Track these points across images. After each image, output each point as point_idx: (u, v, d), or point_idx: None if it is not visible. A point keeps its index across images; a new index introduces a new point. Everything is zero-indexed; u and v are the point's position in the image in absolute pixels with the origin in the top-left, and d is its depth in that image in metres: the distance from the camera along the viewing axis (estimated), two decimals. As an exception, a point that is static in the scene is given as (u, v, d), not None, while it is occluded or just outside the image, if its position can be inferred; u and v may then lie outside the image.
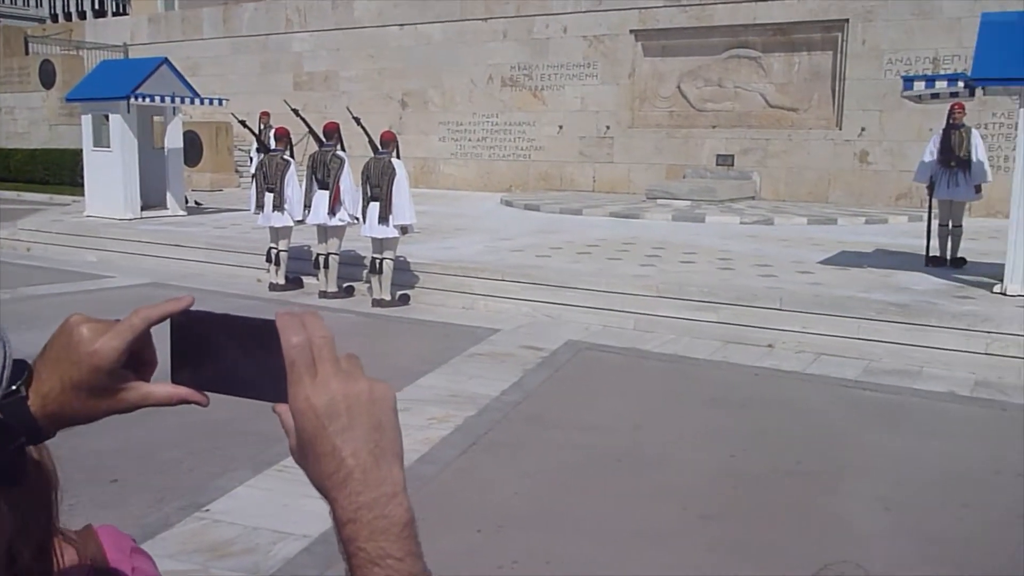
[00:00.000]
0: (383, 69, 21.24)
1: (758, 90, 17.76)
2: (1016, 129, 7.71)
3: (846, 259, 9.89)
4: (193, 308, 0.69)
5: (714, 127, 18.10)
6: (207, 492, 4.22)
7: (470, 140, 20.53)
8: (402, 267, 9.08)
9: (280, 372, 0.65)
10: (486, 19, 20.06)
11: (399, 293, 8.75)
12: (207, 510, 4.02)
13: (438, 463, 4.68)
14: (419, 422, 5.25)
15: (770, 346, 7.07)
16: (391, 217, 8.38)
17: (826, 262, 9.64)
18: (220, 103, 14.78)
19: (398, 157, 8.67)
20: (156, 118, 14.53)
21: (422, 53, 20.80)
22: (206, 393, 0.69)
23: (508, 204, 16.62)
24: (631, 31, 18.62)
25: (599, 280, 8.42)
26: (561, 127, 19.42)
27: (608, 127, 18.98)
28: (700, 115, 18.33)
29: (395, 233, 8.48)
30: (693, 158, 18.17)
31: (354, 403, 0.65)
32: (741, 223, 13.66)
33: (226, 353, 0.67)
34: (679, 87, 18.51)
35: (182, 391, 0.69)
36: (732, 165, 17.66)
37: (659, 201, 15.82)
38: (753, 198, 17.26)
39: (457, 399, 5.74)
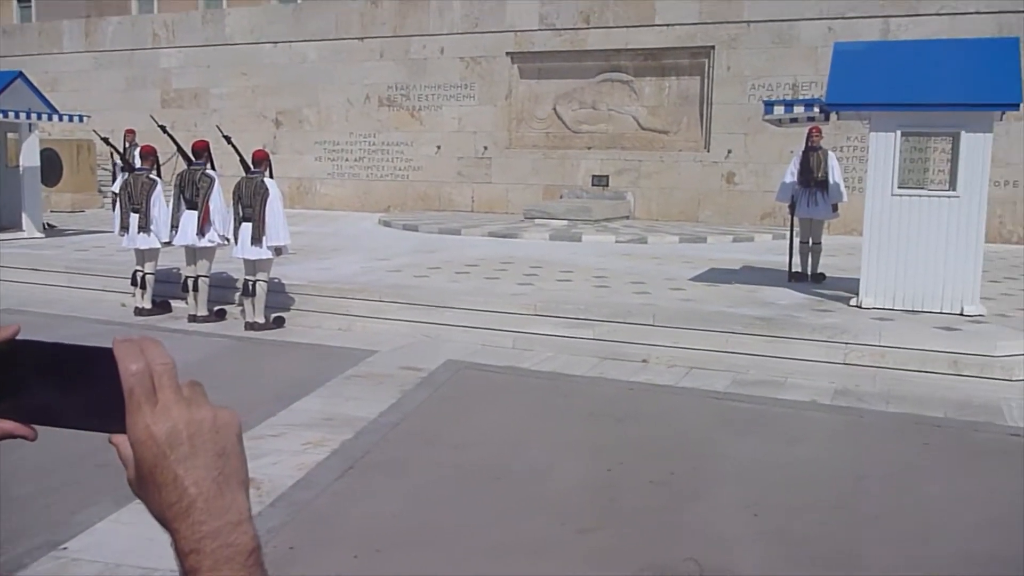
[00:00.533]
0: (256, 87, 20.81)
1: (631, 113, 18.28)
2: (868, 152, 8.18)
3: (715, 276, 10.26)
4: (22, 337, 0.65)
5: (589, 148, 18.52)
6: (65, 529, 4.00)
7: (347, 160, 20.32)
8: (276, 289, 8.88)
9: (117, 401, 0.63)
10: (362, 39, 19.96)
11: (273, 316, 8.55)
12: (65, 548, 3.81)
13: (314, 488, 4.58)
14: (294, 447, 5.13)
15: (644, 361, 7.25)
16: (264, 238, 8.19)
17: (697, 279, 9.98)
18: (81, 120, 14.16)
19: (271, 176, 8.49)
20: (11, 135, 13.77)
21: (297, 71, 20.49)
22: (34, 426, 0.66)
23: (386, 224, 16.51)
24: (507, 53, 18.88)
25: (477, 299, 8.45)
26: (439, 147, 19.46)
27: (486, 148, 19.15)
28: (576, 136, 18.71)
29: (269, 254, 8.29)
30: (570, 178, 18.52)
31: (197, 431, 0.63)
32: (616, 242, 13.98)
33: (57, 383, 0.64)
34: (555, 109, 18.86)
35: (5, 424, 0.65)
36: (607, 186, 18.09)
37: (537, 221, 16.04)
38: (628, 217, 17.71)
39: (333, 422, 5.64)
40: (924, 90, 7.76)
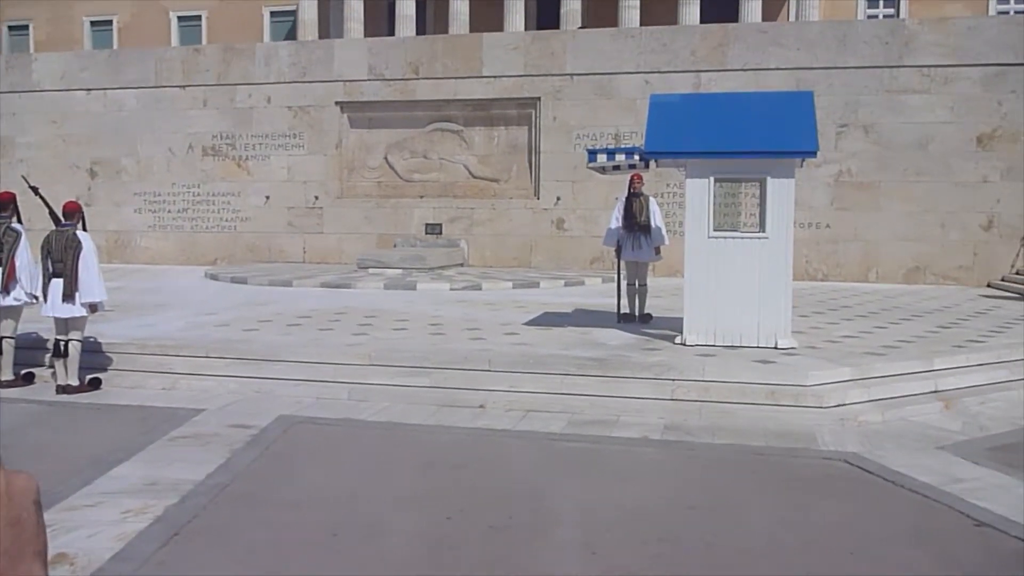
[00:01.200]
0: (69, 136, 19.72)
1: (462, 162, 18.54)
2: (686, 197, 8.61)
3: (549, 319, 10.47)
4: None
5: (422, 197, 18.61)
6: None
7: (170, 212, 19.52)
8: (92, 348, 8.35)
9: None
10: (184, 86, 19.35)
11: (89, 377, 8.02)
12: None
13: (135, 560, 4.28)
14: (113, 516, 4.79)
15: (482, 407, 7.27)
16: (77, 294, 7.70)
17: (531, 323, 10.15)
18: None
19: (84, 229, 8.02)
20: None
21: (114, 119, 19.58)
22: None
23: (213, 278, 15.92)
24: (337, 103, 18.79)
25: (310, 351, 8.25)
26: (268, 197, 19.04)
27: (317, 197, 18.90)
28: (408, 185, 18.77)
29: (83, 312, 7.79)
30: (403, 227, 18.52)
31: None
32: (451, 289, 14.05)
33: None
34: (387, 158, 18.88)
35: None
36: (441, 233, 18.21)
37: (371, 270, 15.91)
38: (462, 265, 17.86)
39: (157, 487, 5.32)
40: (733, 139, 8.30)
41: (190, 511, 4.97)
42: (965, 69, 16.27)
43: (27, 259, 8.06)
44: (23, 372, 8.23)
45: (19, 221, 8.26)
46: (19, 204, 8.36)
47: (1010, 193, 16.20)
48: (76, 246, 7.76)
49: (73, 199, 8.94)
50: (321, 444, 6.46)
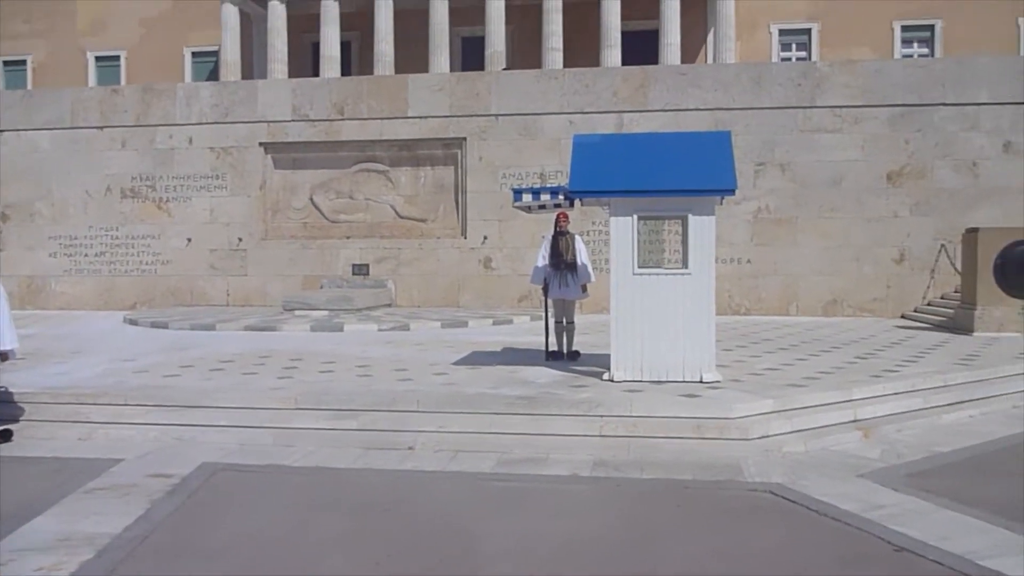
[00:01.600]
0: (-22, 179, 19.10)
1: (388, 202, 18.53)
2: (610, 235, 8.74)
3: (477, 359, 10.46)
4: None
5: (348, 237, 18.49)
6: None
7: (86, 255, 18.99)
8: (3, 399, 8.03)
9: None
10: (102, 127, 18.96)
11: (-1, 428, 7.69)
12: None
13: (46, 619, 4.10)
14: (24, 575, 4.58)
15: (411, 448, 7.20)
16: (-14, 342, 7.40)
17: (459, 362, 10.12)
18: None
19: (-6, 275, 7.74)
20: None
21: (27, 161, 19.05)
22: None
23: (132, 323, 15.50)
24: (260, 144, 18.63)
25: (234, 396, 8.07)
26: (190, 239, 18.69)
27: (241, 239, 18.62)
28: (334, 226, 18.65)
29: (-8, 360, 7.49)
30: (329, 268, 18.36)
31: None
32: (379, 330, 13.94)
33: None
34: (312, 199, 18.75)
35: None
36: (368, 274, 18.11)
37: (297, 312, 15.70)
38: (390, 305, 17.76)
39: (71, 542, 5.11)
40: (655, 178, 8.46)
41: (107, 566, 4.78)
42: (873, 109, 16.97)
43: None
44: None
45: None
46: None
47: (919, 228, 16.87)
48: (-15, 292, 7.48)
49: (-17, 244, 8.63)
50: (245, 491, 6.30)
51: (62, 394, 8.29)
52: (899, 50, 29.29)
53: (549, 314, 10.40)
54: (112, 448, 7.37)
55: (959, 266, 15.45)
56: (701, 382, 8.44)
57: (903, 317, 16.61)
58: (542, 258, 10.24)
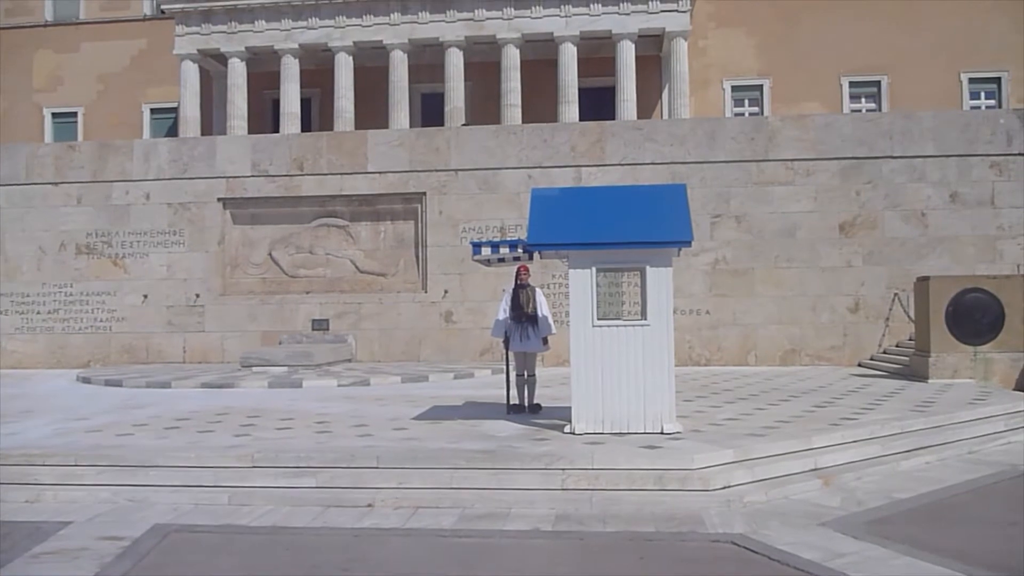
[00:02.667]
0: (-72, 236, 18.76)
1: (348, 256, 18.48)
2: (569, 287, 8.77)
3: (438, 413, 10.38)
4: None
5: (308, 292, 18.39)
6: None
7: (39, 313, 18.65)
8: (-53, 461, 7.77)
9: None
10: (57, 183, 18.77)
11: (-58, 492, 7.43)
12: None
13: None
14: (-38, 645, 4.40)
15: (370, 505, 7.08)
16: (-69, 403, 7.20)
17: (420, 417, 10.03)
18: None
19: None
20: None
21: (-22, 219, 18.76)
22: None
23: (86, 381, 15.19)
24: (219, 199, 18.55)
25: (189, 455, 7.90)
26: (146, 296, 18.45)
27: (198, 295, 18.42)
28: (294, 281, 18.54)
29: (-63, 422, 7.27)
30: (289, 323, 18.20)
31: None
32: (339, 385, 13.81)
33: None
34: (271, 254, 18.65)
35: None
36: (328, 329, 17.98)
37: (255, 369, 15.50)
38: (350, 360, 17.62)
39: (15, 610, 4.92)
40: (613, 231, 8.54)
41: (52, 634, 4.61)
42: (824, 162, 17.38)
43: None
44: None
45: None
46: None
47: (872, 277, 17.18)
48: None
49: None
50: (199, 553, 6.14)
51: (10, 455, 8.05)
52: (847, 105, 30.15)
53: (511, 367, 10.38)
54: (61, 511, 7.16)
55: (912, 314, 15.74)
56: (662, 433, 8.44)
57: (860, 365, 16.82)
58: (503, 311, 10.25)
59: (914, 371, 14.35)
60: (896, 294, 16.97)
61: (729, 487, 7.22)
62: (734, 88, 31.10)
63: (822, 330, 17.22)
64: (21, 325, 18.65)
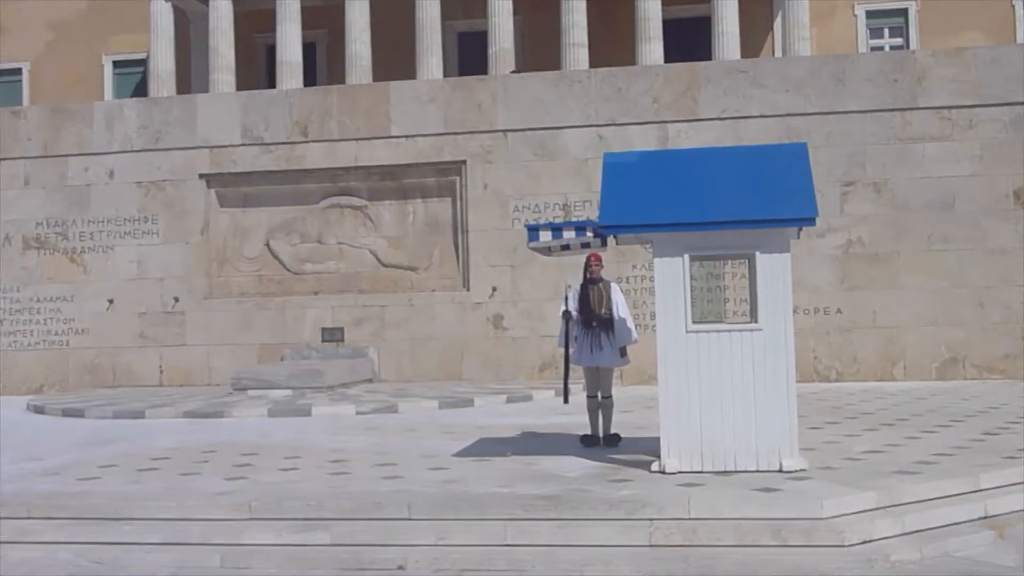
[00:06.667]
0: None
1: (367, 246, 18.66)
2: (655, 282, 8.74)
3: (486, 447, 10.42)
4: None
5: (316, 293, 18.60)
6: None
7: (-22, 325, 19.15)
8: None
9: None
10: (-1, 160, 19.25)
11: None
12: None
13: None
14: None
15: (400, 568, 7.14)
16: None
17: (463, 453, 10.08)
18: None
19: None
20: None
21: (-98, 207, 19.32)
22: None
23: (39, 410, 15.57)
24: (201, 176, 18.84)
25: (169, 504, 8.05)
26: (112, 301, 18.84)
27: (177, 299, 18.75)
28: (298, 279, 18.77)
29: None
30: (293, 334, 18.43)
31: None
32: (358, 413, 13.94)
33: None
34: (268, 245, 18.91)
35: None
36: (342, 340, 18.17)
37: (250, 392, 15.73)
38: (371, 380, 17.79)
39: None
40: (711, 206, 8.48)
41: None
42: (991, 109, 17.05)
43: None
44: None
45: None
46: None
47: (1060, 261, 16.81)
48: None
49: None
50: (185, 630, 6.25)
51: (-53, 507, 8.29)
52: (1021, 33, 29.52)
53: (577, 386, 10.38)
54: (12, 573, 7.34)
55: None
56: (780, 471, 8.36)
57: (1044, 379, 16.50)
58: (565, 312, 10.18)
59: (1118, 386, 14.01)
60: (1092, 283, 16.60)
61: (870, 541, 7.13)
62: (869, 15, 30.69)
63: (992, 333, 16.90)
64: (-43, 341, 19.18)
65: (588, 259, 10.18)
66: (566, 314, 10.16)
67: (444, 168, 18.35)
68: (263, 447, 10.99)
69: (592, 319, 10.03)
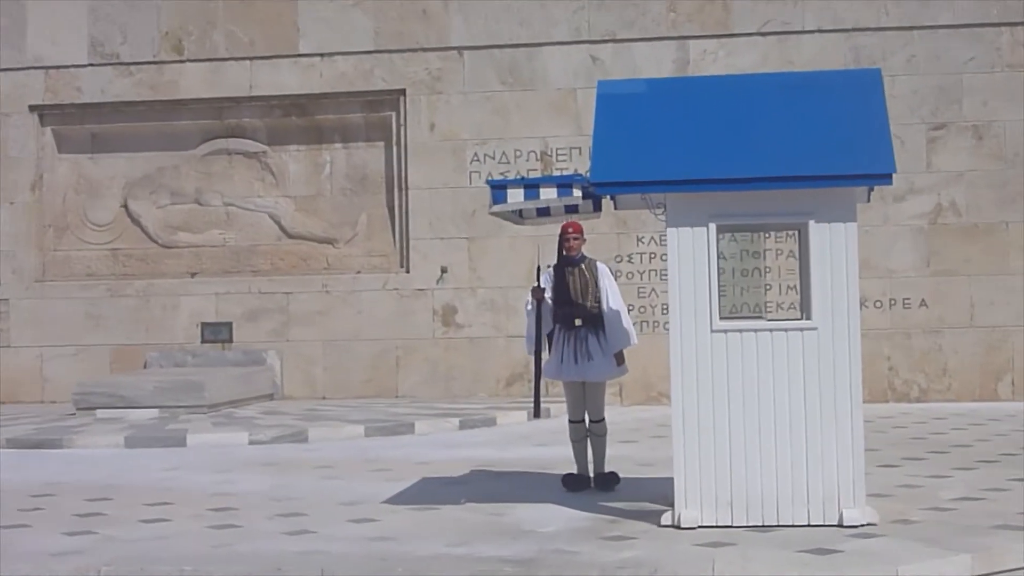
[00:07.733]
0: None
1: (266, 209, 18.60)
2: (668, 261, 8.68)
3: (431, 491, 10.42)
4: None
5: (194, 275, 18.54)
6: None
7: None
8: None
9: None
10: None
11: None
12: None
13: None
14: None
15: (310, 660, 7.15)
16: None
17: (398, 499, 10.08)
18: None
19: None
20: None
21: None
22: None
23: None
24: (32, 108, 18.70)
25: (-15, 570, 8.03)
26: (-96, 286, 18.71)
27: (-1, 281, 18.64)
28: (169, 255, 18.70)
29: None
30: (160, 331, 18.37)
31: None
32: (252, 442, 13.93)
33: None
34: (127, 206, 18.81)
35: None
36: (230, 341, 18.12)
37: (100, 413, 15.71)
38: (272, 397, 17.76)
39: None
40: (745, 158, 8.48)
41: None
42: None
43: None
44: None
45: None
46: None
47: None
48: None
49: None
50: None
51: None
52: None
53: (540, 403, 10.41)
54: None
55: None
56: (840, 526, 8.40)
57: None
58: (531, 304, 10.06)
59: None
60: None
61: (963, 623, 7.21)
62: None
63: None
64: None
65: (564, 229, 10.00)
66: (536, 291, 10.02)
67: (374, 101, 18.28)
68: (119, 490, 10.94)
69: (573, 315, 9.91)
